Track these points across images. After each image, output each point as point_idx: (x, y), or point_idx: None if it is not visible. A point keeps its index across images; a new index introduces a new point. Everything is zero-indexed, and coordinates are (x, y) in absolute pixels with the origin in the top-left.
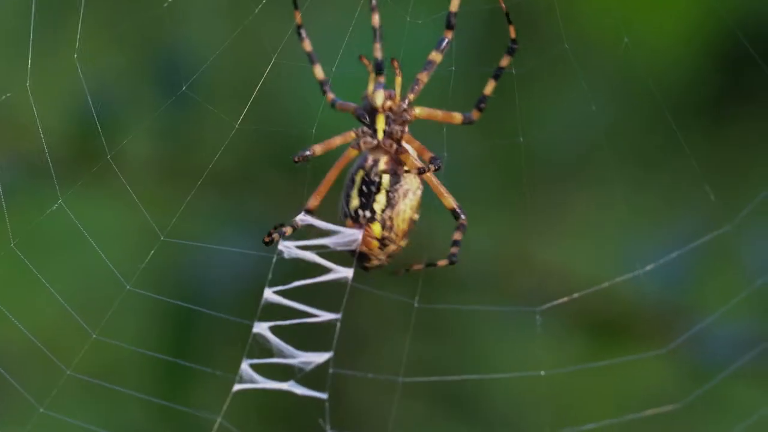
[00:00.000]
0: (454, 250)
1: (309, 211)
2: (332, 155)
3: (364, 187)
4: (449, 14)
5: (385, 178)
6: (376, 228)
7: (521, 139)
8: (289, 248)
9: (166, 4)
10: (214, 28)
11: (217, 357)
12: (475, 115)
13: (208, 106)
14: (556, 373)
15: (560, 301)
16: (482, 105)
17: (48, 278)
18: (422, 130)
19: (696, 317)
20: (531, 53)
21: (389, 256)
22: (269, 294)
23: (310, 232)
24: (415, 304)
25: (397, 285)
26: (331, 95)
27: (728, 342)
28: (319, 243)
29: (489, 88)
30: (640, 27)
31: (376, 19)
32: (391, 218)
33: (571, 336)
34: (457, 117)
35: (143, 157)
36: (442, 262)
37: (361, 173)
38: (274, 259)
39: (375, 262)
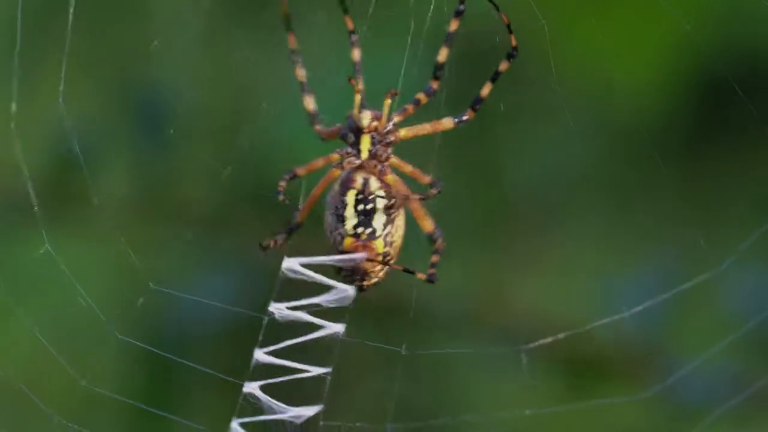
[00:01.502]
0: (432, 271)
1: (296, 227)
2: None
3: (359, 206)
4: (437, 65)
5: (380, 196)
6: (379, 244)
7: (508, 174)
8: (280, 309)
9: (153, 45)
10: (193, 67)
11: (201, 409)
12: (469, 114)
13: (195, 146)
14: (540, 412)
15: (546, 340)
16: (477, 106)
17: (25, 316)
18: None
19: (674, 358)
20: (515, 91)
21: (386, 273)
22: (260, 354)
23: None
24: (403, 352)
25: (382, 330)
26: (318, 127)
27: (707, 384)
28: (311, 302)
29: (485, 90)
30: (619, 66)
31: (356, 54)
32: (391, 234)
33: (551, 376)
34: (448, 123)
35: (122, 195)
36: (421, 275)
37: (352, 193)
38: (265, 321)
39: (374, 280)
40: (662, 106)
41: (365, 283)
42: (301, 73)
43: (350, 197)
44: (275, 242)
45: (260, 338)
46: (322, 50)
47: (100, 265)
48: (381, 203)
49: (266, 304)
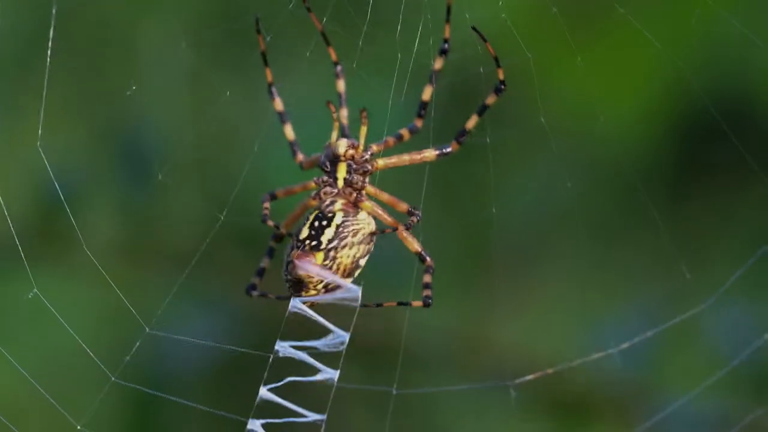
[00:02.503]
0: (427, 292)
1: (281, 237)
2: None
3: (315, 222)
4: (421, 103)
5: (338, 215)
6: (319, 257)
7: (493, 210)
8: (284, 348)
9: (129, 92)
10: (176, 108)
11: None
12: (453, 147)
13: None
14: None
15: (536, 375)
16: (461, 138)
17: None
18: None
19: (661, 396)
20: (503, 125)
21: (327, 289)
22: (264, 392)
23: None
24: (394, 392)
25: (373, 370)
26: (300, 156)
27: (694, 422)
28: (311, 345)
29: (471, 122)
30: (605, 103)
31: (341, 85)
32: (336, 250)
33: (537, 415)
34: (430, 154)
35: (107, 236)
36: (417, 303)
37: (315, 212)
38: (270, 359)
39: (312, 292)
40: (648, 143)
41: (303, 293)
42: (278, 104)
43: (312, 215)
44: (259, 277)
45: (265, 375)
46: (307, 85)
47: (85, 305)
48: (337, 220)
49: (262, 343)
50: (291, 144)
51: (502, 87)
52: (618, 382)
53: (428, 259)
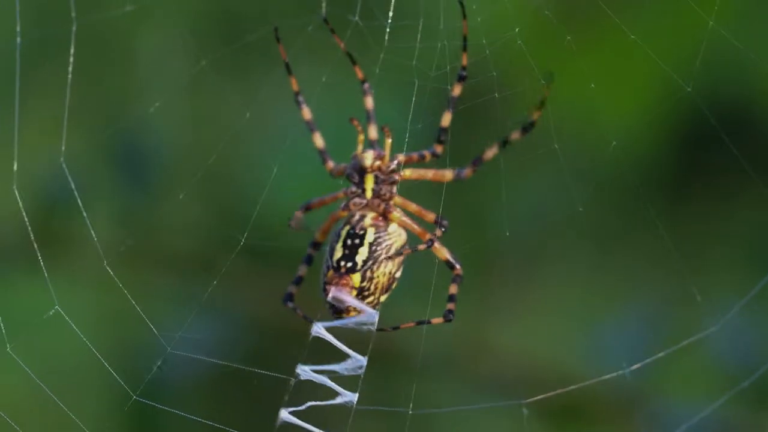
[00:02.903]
0: (450, 306)
1: (317, 244)
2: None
3: (348, 240)
4: (440, 129)
5: (370, 231)
6: (355, 278)
7: (493, 216)
8: (305, 371)
9: (151, 109)
10: (177, 109)
11: None
12: (467, 173)
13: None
14: None
15: (549, 394)
16: (477, 167)
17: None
18: None
19: (662, 404)
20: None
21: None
22: (285, 414)
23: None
24: (410, 411)
25: (386, 393)
26: (331, 164)
27: (695, 430)
28: (331, 369)
29: (490, 153)
30: (605, 110)
31: (369, 102)
32: (372, 270)
33: (539, 423)
34: (448, 174)
35: (106, 240)
36: (437, 320)
37: (347, 228)
38: (292, 382)
39: (352, 313)
40: (646, 149)
41: (344, 315)
42: (306, 112)
43: (344, 231)
44: (296, 286)
45: (286, 398)
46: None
47: (90, 310)
48: (369, 238)
49: (262, 352)
50: (321, 152)
51: (530, 128)
52: (619, 388)
53: (458, 266)
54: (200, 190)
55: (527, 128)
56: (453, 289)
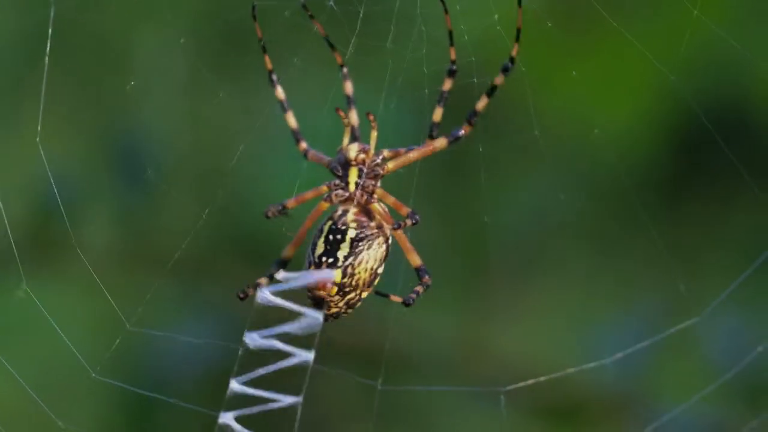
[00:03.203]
0: (413, 295)
1: (284, 262)
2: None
3: (330, 236)
4: (432, 124)
5: (352, 228)
6: (337, 274)
7: (486, 219)
8: (254, 339)
9: (128, 87)
10: (173, 114)
11: None
12: (465, 129)
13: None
14: None
15: (526, 383)
16: (473, 119)
17: (7, 361)
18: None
19: (655, 405)
20: (498, 136)
21: (349, 306)
22: (235, 384)
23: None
24: (378, 387)
25: (359, 367)
26: (303, 144)
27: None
28: (282, 331)
29: (481, 103)
30: (600, 113)
31: (348, 87)
32: (353, 266)
33: (530, 422)
34: (441, 143)
35: (104, 242)
36: (396, 299)
37: (329, 223)
38: (240, 352)
39: (333, 309)
40: (643, 152)
41: (326, 311)
42: (279, 92)
43: (326, 227)
44: (253, 288)
45: (235, 368)
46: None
47: (80, 310)
48: (351, 234)
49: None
50: (294, 132)
51: (511, 65)
52: (613, 390)
53: (427, 276)
54: (198, 192)
55: (508, 68)
56: (419, 288)
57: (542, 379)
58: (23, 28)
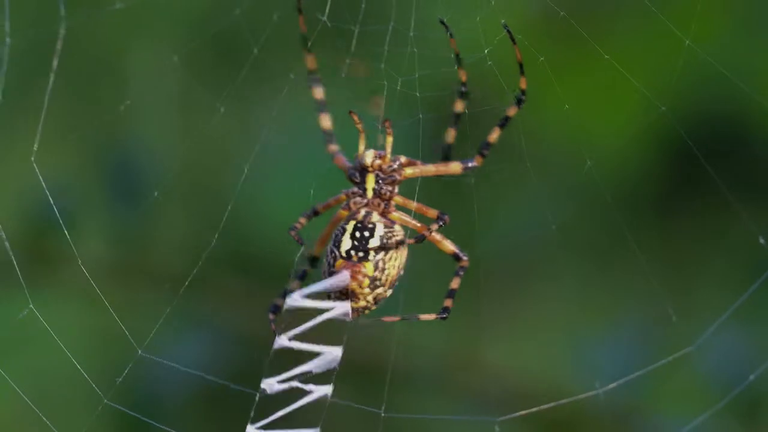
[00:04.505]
0: (448, 302)
1: (314, 258)
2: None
3: (357, 233)
4: (445, 146)
5: (379, 226)
6: (369, 267)
7: (477, 231)
8: (271, 385)
9: (122, 107)
10: (168, 128)
11: None
12: (477, 161)
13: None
14: None
15: (521, 413)
16: (485, 151)
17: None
18: None
19: (651, 422)
20: (491, 154)
21: (376, 301)
22: (252, 430)
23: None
24: (382, 414)
25: (360, 393)
26: (333, 146)
27: None
28: (302, 370)
29: (494, 135)
30: (590, 130)
31: (318, 92)
32: (384, 261)
33: None
34: (456, 167)
35: (99, 258)
36: (427, 316)
37: (353, 222)
38: (257, 398)
39: (362, 303)
40: (633, 169)
41: (353, 305)
42: (318, 92)
43: (350, 225)
44: (283, 299)
45: (252, 414)
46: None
47: (77, 326)
48: (380, 231)
49: (250, 367)
50: (325, 132)
51: (523, 98)
52: (608, 407)
53: (464, 258)
54: (191, 207)
55: (521, 99)
56: (455, 283)
57: (535, 409)
58: (18, 45)
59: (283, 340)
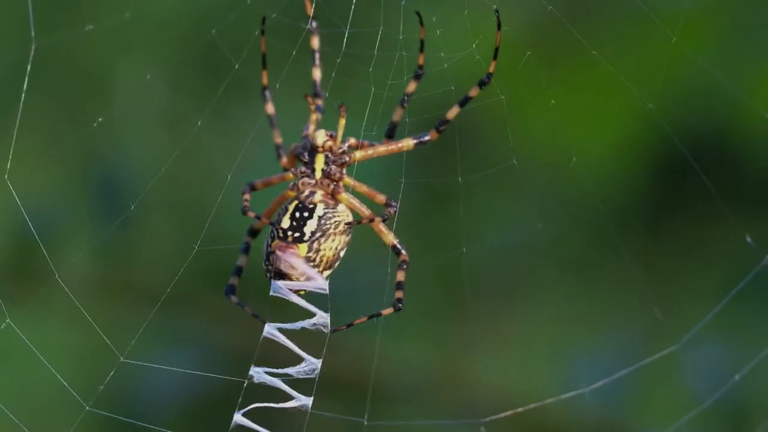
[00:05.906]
0: (398, 294)
1: (255, 231)
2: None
3: (296, 213)
4: (390, 124)
5: (320, 207)
6: (302, 248)
7: (464, 250)
8: (258, 374)
9: (96, 124)
10: (151, 144)
11: None
12: (432, 135)
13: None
14: None
15: (504, 414)
16: (441, 127)
17: None
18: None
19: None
20: (477, 165)
21: (307, 279)
22: (239, 417)
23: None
24: (365, 422)
25: (343, 400)
26: (284, 159)
27: None
28: (285, 372)
29: (452, 112)
30: (578, 142)
31: (317, 73)
32: (319, 242)
33: None
34: (408, 142)
35: (81, 273)
36: (387, 311)
37: (295, 202)
38: (245, 384)
39: (293, 280)
40: (622, 180)
41: (285, 280)
42: (270, 107)
43: (292, 205)
44: (237, 276)
45: (239, 400)
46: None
47: (62, 341)
48: (319, 212)
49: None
50: (277, 147)
51: (487, 80)
52: (593, 419)
53: (403, 252)
54: (174, 220)
55: (484, 82)
56: (400, 276)
57: (520, 409)
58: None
59: (272, 330)
